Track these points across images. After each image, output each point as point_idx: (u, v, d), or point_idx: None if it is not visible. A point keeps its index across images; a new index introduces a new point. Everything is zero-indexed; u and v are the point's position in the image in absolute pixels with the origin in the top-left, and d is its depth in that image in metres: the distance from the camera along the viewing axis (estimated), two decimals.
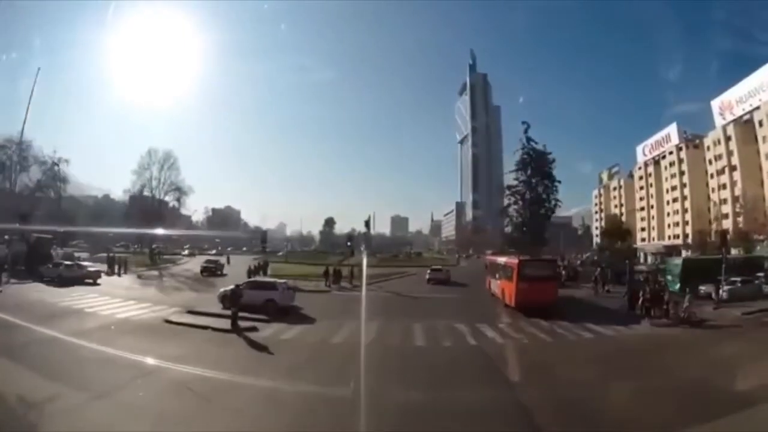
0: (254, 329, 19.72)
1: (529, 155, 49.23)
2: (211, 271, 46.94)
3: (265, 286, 25.53)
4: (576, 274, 45.06)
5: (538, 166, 48.85)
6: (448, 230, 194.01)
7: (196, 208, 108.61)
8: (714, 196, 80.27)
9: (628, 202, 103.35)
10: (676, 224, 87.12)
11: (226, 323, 20.14)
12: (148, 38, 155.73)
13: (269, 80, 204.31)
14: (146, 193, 78.97)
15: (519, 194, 49.35)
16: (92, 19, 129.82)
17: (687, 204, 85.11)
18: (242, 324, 20.16)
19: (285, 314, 23.40)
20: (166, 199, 76.44)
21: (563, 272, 44.07)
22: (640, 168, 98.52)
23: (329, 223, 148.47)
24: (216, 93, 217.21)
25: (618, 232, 74.36)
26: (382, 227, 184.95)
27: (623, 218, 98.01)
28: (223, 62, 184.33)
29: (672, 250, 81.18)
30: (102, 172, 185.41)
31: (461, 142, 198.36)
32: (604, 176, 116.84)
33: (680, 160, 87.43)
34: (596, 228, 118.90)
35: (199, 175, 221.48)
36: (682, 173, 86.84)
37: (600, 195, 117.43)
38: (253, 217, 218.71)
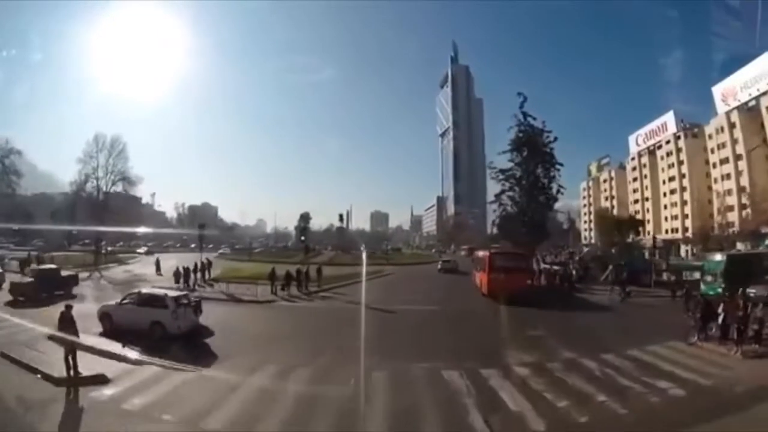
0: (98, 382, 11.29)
1: (526, 133, 40.69)
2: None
3: (152, 303, 16.30)
4: (587, 272, 36.68)
5: (536, 146, 40.34)
6: (429, 225, 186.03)
7: (160, 203, 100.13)
8: (717, 187, 73.29)
9: (620, 195, 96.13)
10: (675, 217, 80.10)
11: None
12: (127, 33, 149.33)
13: (248, 77, 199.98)
14: (92, 184, 67.86)
15: (514, 179, 40.74)
16: (71, 12, 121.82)
17: (686, 196, 78.10)
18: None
19: (180, 343, 15.02)
20: (140, 194, 69.35)
21: (573, 271, 35.74)
22: (633, 159, 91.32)
23: (305, 218, 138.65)
24: (196, 90, 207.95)
25: (628, 222, 64.91)
26: (363, 223, 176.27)
27: (614, 212, 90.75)
28: (203, 60, 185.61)
29: (670, 245, 73.87)
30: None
31: (442, 135, 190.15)
32: (593, 168, 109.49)
33: (678, 150, 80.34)
34: (584, 222, 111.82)
35: (178, 171, 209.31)
36: (680, 163, 79.75)
37: (588, 188, 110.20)
38: (233, 214, 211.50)
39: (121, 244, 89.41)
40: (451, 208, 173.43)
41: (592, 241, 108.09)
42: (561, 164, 41.08)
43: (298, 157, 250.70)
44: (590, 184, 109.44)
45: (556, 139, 40.37)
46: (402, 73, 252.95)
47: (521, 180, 40.13)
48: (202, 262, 35.94)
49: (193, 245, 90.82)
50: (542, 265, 38.64)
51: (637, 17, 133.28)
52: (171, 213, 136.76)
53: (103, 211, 65.47)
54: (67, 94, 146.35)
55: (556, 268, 35.72)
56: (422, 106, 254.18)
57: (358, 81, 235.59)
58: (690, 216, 76.98)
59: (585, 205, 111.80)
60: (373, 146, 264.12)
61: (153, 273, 39.09)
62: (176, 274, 31.67)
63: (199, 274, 34.77)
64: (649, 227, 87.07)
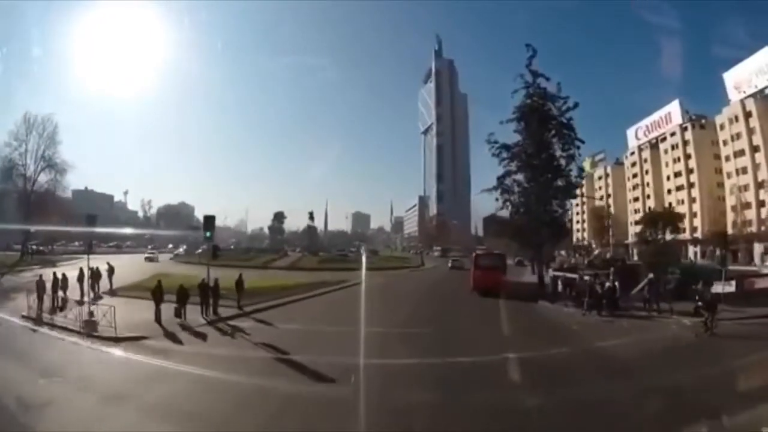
0: None
1: (536, 98, 30.67)
2: None
3: None
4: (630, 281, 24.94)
5: (549, 114, 30.46)
6: (411, 226, 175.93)
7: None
8: (730, 183, 65.01)
9: (617, 193, 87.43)
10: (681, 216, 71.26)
11: None
12: (106, 29, 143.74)
13: (231, 75, 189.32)
14: (17, 171, 57.28)
15: (523, 157, 30.67)
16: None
17: (695, 192, 69.57)
18: None
19: None
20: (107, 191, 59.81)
21: (597, 286, 23.08)
22: (632, 153, 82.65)
23: (279, 217, 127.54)
24: (178, 89, 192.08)
25: (664, 217, 53.88)
26: (343, 224, 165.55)
27: (611, 210, 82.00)
28: (184, 58, 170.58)
29: (680, 246, 64.95)
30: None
31: (425, 132, 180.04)
32: (586, 165, 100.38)
33: (685, 142, 71.94)
34: (577, 222, 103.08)
35: (159, 171, 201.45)
36: (687, 157, 71.32)
37: (581, 186, 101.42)
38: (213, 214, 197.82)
39: (78, 243, 78.54)
40: (433, 208, 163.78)
41: (585, 242, 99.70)
42: (582, 140, 31.31)
43: (279, 156, 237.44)
44: (583, 182, 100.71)
45: (576, 105, 30.45)
46: (384, 70, 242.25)
47: (532, 159, 30.10)
48: (91, 269, 24.98)
49: (170, 245, 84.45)
50: (563, 274, 28.58)
51: (630, 9, 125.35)
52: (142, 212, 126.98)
53: (30, 207, 56.05)
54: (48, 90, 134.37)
55: (587, 277, 25.13)
56: (406, 104, 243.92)
57: (340, 78, 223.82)
58: (699, 215, 68.51)
59: (577, 204, 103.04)
60: (355, 146, 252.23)
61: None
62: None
63: (87, 285, 24.30)
64: None
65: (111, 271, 28.05)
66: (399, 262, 67.67)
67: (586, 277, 24.57)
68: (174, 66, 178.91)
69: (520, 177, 30.76)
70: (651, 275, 26.77)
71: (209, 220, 23.26)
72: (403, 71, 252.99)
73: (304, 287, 29.06)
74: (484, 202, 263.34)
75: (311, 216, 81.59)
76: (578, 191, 35.38)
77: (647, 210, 79.36)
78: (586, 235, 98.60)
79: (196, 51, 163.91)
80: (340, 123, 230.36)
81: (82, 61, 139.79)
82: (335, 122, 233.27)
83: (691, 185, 70.12)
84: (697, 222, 69.07)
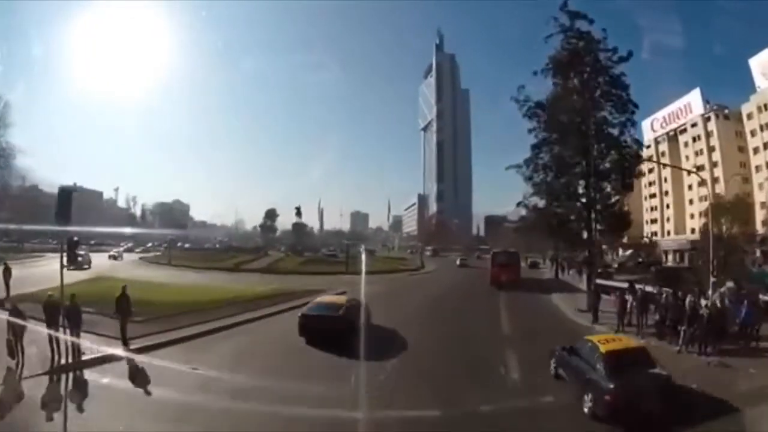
0: None
1: (577, 44, 23.83)
2: None
3: None
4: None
5: (595, 67, 23.71)
6: (411, 225, 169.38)
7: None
8: (758, 178, 58.77)
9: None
10: (701, 215, 64.78)
11: None
12: (103, 28, 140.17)
13: (226, 74, 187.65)
14: None
15: (562, 118, 23.87)
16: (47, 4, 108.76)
17: (719, 188, 62.98)
18: None
19: None
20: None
21: (704, 309, 14.49)
22: (648, 146, 75.81)
23: (270, 215, 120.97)
24: (176, 88, 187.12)
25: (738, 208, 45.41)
26: (338, 223, 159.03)
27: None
28: (181, 56, 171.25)
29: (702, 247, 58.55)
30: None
31: (425, 129, 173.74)
32: None
33: (708, 134, 65.45)
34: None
35: (155, 168, 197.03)
36: (711, 149, 64.75)
37: (642, 160, 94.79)
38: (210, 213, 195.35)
39: (55, 242, 71.45)
40: (433, 207, 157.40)
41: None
42: (636, 105, 24.68)
43: (277, 155, 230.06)
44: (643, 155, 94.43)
45: (629, 55, 23.61)
46: (383, 66, 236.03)
47: (577, 123, 23.29)
48: None
49: (155, 243, 79.41)
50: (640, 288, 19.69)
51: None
52: (135, 210, 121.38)
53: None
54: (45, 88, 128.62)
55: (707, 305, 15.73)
56: (405, 101, 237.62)
57: (338, 75, 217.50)
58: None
59: None
60: (354, 145, 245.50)
61: None
62: None
63: None
64: (670, 226, 72.27)
65: (6, 273, 20.96)
66: (395, 263, 60.65)
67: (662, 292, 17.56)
68: (171, 65, 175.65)
69: (559, 148, 24.01)
70: (728, 285, 20.50)
71: (63, 195, 15.40)
72: (403, 67, 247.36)
73: (253, 301, 22.31)
74: (487, 201, 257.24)
75: (298, 212, 75.04)
76: (640, 168, 28.05)
77: (665, 207, 73.15)
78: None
79: (192, 49, 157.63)
80: (339, 121, 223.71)
81: (74, 58, 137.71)
82: (334, 120, 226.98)
83: (714, 181, 63.60)
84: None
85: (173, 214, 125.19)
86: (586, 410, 9.13)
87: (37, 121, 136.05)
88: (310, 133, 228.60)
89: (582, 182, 24.06)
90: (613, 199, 24.83)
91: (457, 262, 62.98)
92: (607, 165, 24.22)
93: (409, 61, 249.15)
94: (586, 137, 22.92)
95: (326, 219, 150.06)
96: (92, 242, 78.51)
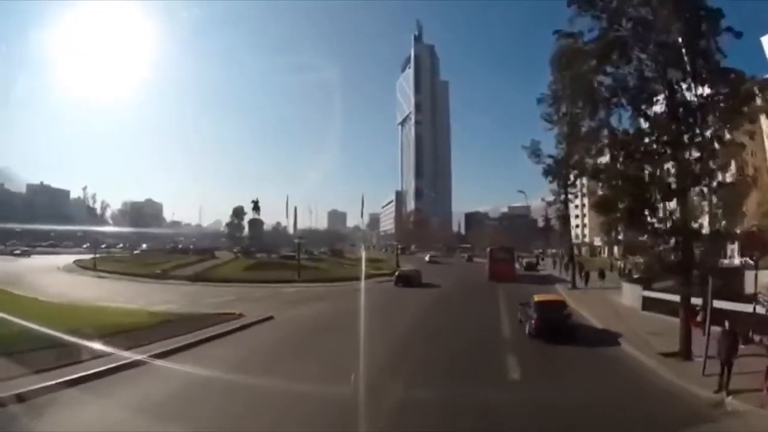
0: None
1: None
2: None
3: None
4: None
5: None
6: (388, 224, 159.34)
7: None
8: None
9: None
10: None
11: None
12: (74, 25, 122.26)
13: (199, 72, 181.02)
14: None
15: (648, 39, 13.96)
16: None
17: None
18: None
19: None
20: None
21: None
22: None
23: (237, 214, 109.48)
24: (152, 85, 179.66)
25: None
26: (309, 221, 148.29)
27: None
28: (155, 53, 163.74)
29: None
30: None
31: (402, 123, 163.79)
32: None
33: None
34: (577, 217, 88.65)
35: (130, 167, 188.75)
36: None
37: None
38: (190, 213, 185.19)
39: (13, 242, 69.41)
40: (411, 204, 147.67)
41: (586, 239, 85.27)
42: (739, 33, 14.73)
43: (254, 155, 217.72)
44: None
45: None
46: (360, 61, 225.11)
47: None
48: None
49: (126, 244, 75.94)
50: None
51: None
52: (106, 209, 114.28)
53: None
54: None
55: None
56: (383, 97, 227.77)
57: (316, 73, 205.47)
58: None
59: (578, 196, 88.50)
60: (332, 143, 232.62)
61: None
62: None
63: None
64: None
65: None
66: (372, 266, 47.84)
67: None
68: (145, 62, 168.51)
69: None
70: None
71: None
72: (380, 62, 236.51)
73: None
74: (467, 198, 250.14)
75: (255, 206, 63.76)
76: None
77: None
78: (587, 231, 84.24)
79: (166, 48, 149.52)
80: (315, 119, 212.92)
81: (46, 57, 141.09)
82: (310, 118, 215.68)
83: None
84: None
85: (143, 213, 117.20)
86: (527, 332, 16.61)
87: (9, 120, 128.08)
88: (286, 133, 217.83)
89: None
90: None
91: (426, 258, 65.37)
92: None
93: (388, 53, 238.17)
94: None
95: (306, 217, 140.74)
96: (45, 243, 73.55)
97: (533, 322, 15.89)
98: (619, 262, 38.41)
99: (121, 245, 74.76)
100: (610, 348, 15.10)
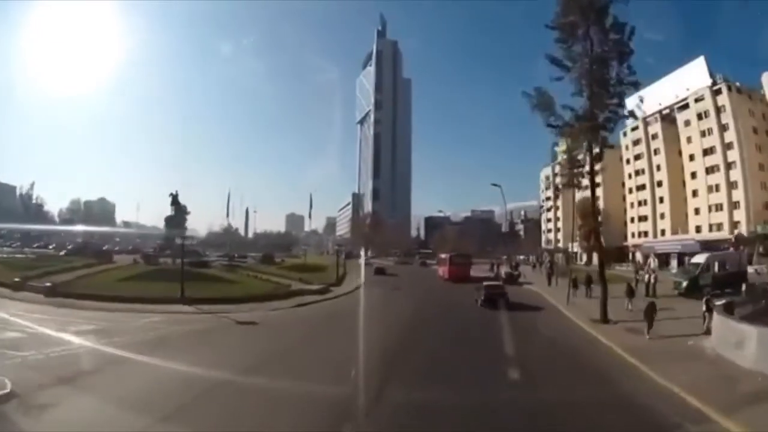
0: None
1: None
2: None
3: None
4: None
5: None
6: (345, 227, 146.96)
7: None
8: None
9: (607, 181, 64.32)
10: (717, 208, 48.96)
11: None
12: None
13: (160, 71, 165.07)
14: None
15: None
16: None
17: (735, 174, 47.48)
18: None
19: None
20: None
21: None
22: (635, 128, 59.65)
23: (176, 203, 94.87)
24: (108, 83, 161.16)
25: None
26: (270, 224, 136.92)
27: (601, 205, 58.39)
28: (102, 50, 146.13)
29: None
30: None
31: (361, 122, 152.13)
32: (562, 149, 77.59)
33: (718, 110, 49.70)
34: (548, 220, 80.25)
35: (82, 165, 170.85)
36: (723, 128, 49.02)
37: (554, 175, 78.21)
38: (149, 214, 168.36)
39: None
40: (369, 206, 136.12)
41: (560, 245, 76.40)
42: None
43: (211, 158, 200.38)
44: (557, 170, 77.60)
45: None
46: (319, 58, 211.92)
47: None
48: None
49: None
50: None
51: None
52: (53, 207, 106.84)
53: None
54: None
55: None
56: (343, 98, 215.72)
57: (267, 67, 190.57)
58: (743, 205, 46.55)
59: (546, 200, 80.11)
60: (290, 145, 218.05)
61: None
62: None
63: None
64: (665, 224, 55.97)
65: None
66: (315, 278, 36.81)
67: None
68: (107, 60, 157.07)
69: None
70: None
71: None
72: (343, 61, 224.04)
73: None
74: (427, 201, 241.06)
75: (174, 200, 50.23)
76: None
77: (658, 201, 56.85)
78: (560, 236, 75.53)
79: (123, 45, 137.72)
80: (270, 119, 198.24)
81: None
82: (265, 119, 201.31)
83: (729, 166, 47.94)
84: (738, 215, 46.99)
85: (93, 212, 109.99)
86: (478, 304, 25.23)
87: None
88: (241, 134, 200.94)
89: None
90: None
91: (360, 262, 56.32)
92: None
93: (349, 49, 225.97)
94: None
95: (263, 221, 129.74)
96: None
97: (483, 295, 25.41)
98: (646, 275, 28.17)
99: (53, 245, 64.50)
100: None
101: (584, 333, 18.72)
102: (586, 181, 24.18)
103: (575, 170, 23.55)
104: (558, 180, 46.47)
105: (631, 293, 23.68)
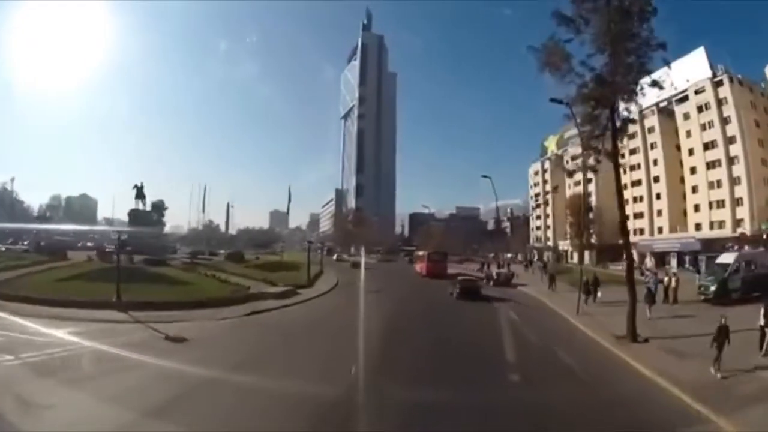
0: None
1: None
2: None
3: None
4: None
5: None
6: (328, 224, 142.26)
7: None
8: None
9: (601, 177, 60.80)
10: (719, 204, 45.77)
11: None
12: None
13: (145, 68, 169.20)
14: None
15: None
16: None
17: (738, 170, 44.32)
18: None
19: None
20: None
21: None
22: (633, 120, 56.08)
23: (140, 196, 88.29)
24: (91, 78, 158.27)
25: None
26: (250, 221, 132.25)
27: (593, 202, 54.94)
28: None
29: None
30: None
31: (345, 117, 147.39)
32: (551, 144, 74.17)
33: (720, 102, 46.50)
34: (537, 218, 76.72)
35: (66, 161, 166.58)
36: (725, 121, 45.84)
37: (543, 171, 74.71)
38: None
39: None
40: (352, 203, 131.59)
41: (549, 243, 73.00)
42: None
43: (195, 156, 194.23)
44: (545, 166, 74.09)
45: None
46: (303, 56, 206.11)
47: None
48: None
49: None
50: None
51: None
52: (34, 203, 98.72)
53: None
54: None
55: None
56: (327, 95, 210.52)
57: (254, 66, 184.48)
58: (746, 202, 43.45)
59: (535, 196, 76.59)
60: (272, 141, 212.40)
61: None
62: None
63: None
64: (662, 221, 52.71)
65: None
66: (287, 278, 31.17)
67: None
68: (91, 57, 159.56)
69: None
70: None
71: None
72: (329, 57, 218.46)
73: None
74: (412, 198, 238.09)
75: (138, 193, 45.46)
76: None
77: (655, 197, 53.60)
78: (550, 233, 72.08)
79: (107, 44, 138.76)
80: (255, 116, 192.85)
81: None
82: (251, 116, 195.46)
83: (731, 161, 44.78)
84: (741, 213, 43.86)
85: (73, 208, 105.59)
86: (453, 296, 26.82)
87: None
88: (226, 131, 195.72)
89: None
90: None
91: (334, 257, 62.71)
92: None
93: (336, 45, 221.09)
94: None
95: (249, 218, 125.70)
96: None
97: (458, 289, 27.01)
98: (666, 277, 24.10)
99: (27, 242, 59.63)
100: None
101: (612, 357, 14.03)
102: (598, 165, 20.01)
103: (595, 146, 18.96)
104: (569, 165, 42.55)
105: (651, 299, 19.71)
